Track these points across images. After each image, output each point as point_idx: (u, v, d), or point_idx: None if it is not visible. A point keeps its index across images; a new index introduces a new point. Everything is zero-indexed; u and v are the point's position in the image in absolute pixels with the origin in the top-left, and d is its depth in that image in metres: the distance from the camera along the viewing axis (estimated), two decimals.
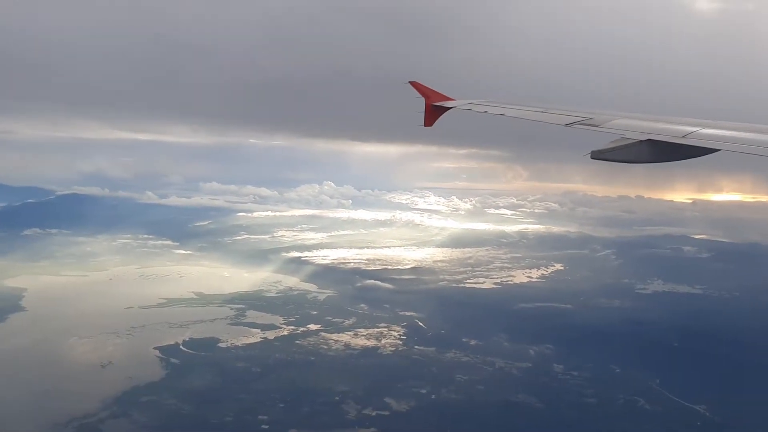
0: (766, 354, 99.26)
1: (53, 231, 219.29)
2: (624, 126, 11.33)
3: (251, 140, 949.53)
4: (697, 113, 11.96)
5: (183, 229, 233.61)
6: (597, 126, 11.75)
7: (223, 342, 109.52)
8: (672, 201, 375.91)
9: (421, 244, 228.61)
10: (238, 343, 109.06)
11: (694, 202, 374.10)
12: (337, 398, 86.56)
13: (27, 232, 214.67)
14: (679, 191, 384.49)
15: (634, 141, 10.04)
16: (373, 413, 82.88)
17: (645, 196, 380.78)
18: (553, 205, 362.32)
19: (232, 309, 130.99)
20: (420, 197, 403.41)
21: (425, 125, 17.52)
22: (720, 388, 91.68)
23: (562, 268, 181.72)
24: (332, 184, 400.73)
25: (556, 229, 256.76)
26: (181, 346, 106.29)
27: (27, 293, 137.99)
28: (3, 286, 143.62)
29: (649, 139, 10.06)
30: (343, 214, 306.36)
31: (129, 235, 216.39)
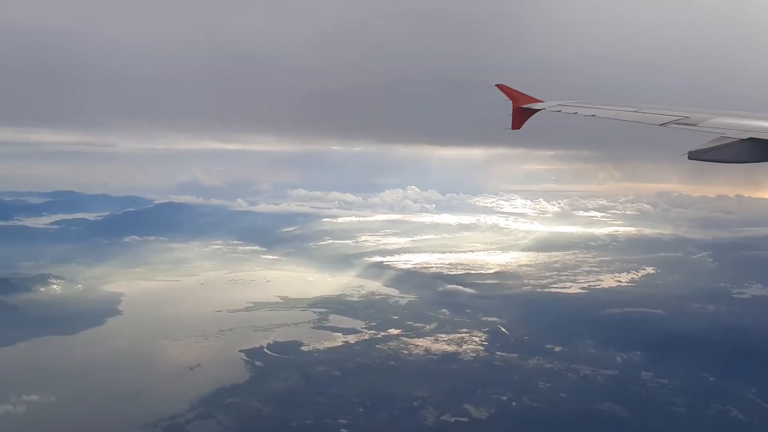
0: None
1: (150, 238, 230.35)
2: (723, 125, 10.86)
3: (334, 147, 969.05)
4: None
5: (271, 235, 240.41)
6: (694, 125, 11.30)
7: (306, 345, 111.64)
8: None
9: (505, 248, 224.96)
10: (320, 347, 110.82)
11: None
12: (416, 403, 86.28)
13: (126, 239, 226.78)
14: None
15: (735, 140, 9.56)
16: (452, 419, 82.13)
17: (745, 196, 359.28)
18: (645, 206, 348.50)
19: (315, 313, 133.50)
20: (505, 200, 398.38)
21: (513, 128, 17.11)
22: None
23: (653, 271, 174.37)
24: (416, 188, 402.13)
25: (648, 231, 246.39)
26: (265, 349, 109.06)
27: (124, 297, 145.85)
28: (103, 291, 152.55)
29: (751, 138, 9.55)
30: (426, 218, 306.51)
31: (220, 242, 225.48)
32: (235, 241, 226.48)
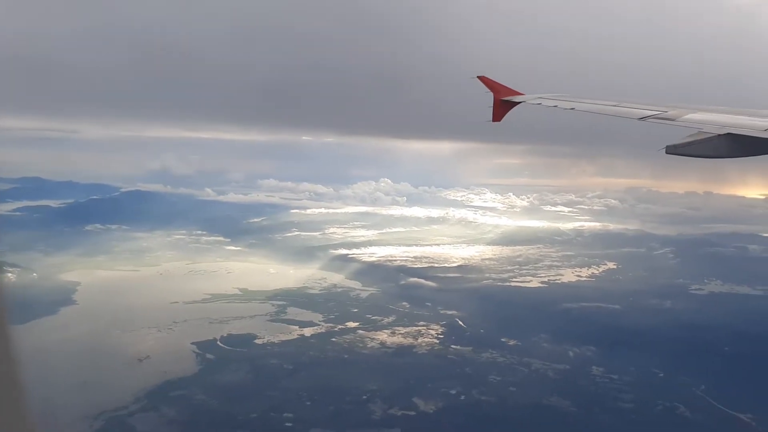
0: None
1: (113, 227, 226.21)
2: (701, 120, 10.97)
3: (304, 137, 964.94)
4: None
5: (236, 225, 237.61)
6: (672, 120, 11.39)
7: (260, 338, 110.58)
8: (743, 197, 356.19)
9: (471, 241, 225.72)
10: (275, 340, 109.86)
11: None
12: (364, 397, 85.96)
13: (89, 227, 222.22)
14: (753, 186, 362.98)
15: (712, 135, 9.64)
16: (399, 413, 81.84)
17: (714, 192, 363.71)
18: (613, 201, 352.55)
19: (273, 305, 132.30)
20: (476, 194, 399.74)
21: (493, 120, 17.26)
22: None
23: (614, 266, 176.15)
24: (389, 181, 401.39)
25: (613, 226, 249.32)
26: (218, 342, 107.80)
27: (80, 287, 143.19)
28: (59, 279, 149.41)
29: (729, 134, 9.60)
30: (396, 211, 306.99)
31: (184, 231, 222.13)
32: (199, 231, 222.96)
